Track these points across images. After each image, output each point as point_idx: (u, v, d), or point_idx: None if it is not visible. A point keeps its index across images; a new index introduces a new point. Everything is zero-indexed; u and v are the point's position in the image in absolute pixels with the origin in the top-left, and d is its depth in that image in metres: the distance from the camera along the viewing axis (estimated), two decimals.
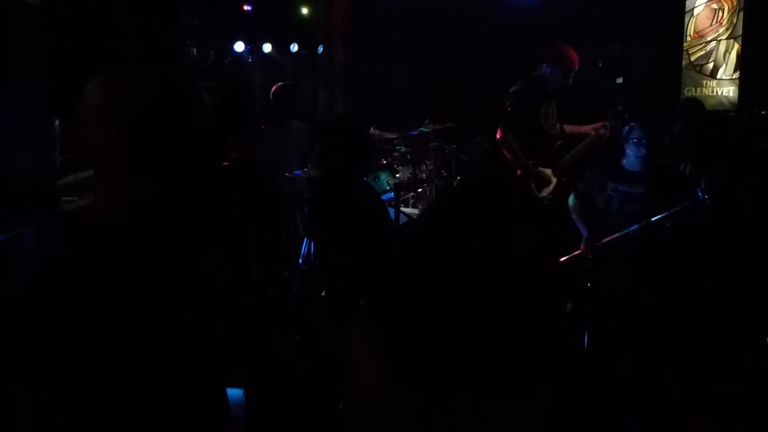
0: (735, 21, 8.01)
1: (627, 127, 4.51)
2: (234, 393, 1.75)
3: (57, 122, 4.64)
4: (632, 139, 4.40)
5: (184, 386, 1.20)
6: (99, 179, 1.26)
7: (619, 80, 7.41)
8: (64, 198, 4.59)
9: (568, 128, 5.61)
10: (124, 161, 1.22)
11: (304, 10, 8.48)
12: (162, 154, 1.23)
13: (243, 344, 4.25)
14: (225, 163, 5.88)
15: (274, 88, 6.27)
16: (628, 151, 4.44)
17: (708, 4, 8.14)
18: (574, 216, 4.59)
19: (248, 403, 1.82)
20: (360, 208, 3.78)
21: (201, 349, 1.28)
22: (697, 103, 6.09)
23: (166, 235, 1.29)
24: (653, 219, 4.08)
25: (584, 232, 4.44)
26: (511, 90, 5.50)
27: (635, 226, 4.10)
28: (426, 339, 1.07)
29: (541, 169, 5.48)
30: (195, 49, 7.69)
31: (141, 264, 1.23)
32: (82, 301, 1.13)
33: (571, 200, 4.70)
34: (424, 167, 6.56)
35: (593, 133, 5.47)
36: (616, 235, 4.13)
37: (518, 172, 5.40)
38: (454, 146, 6.69)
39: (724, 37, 8.07)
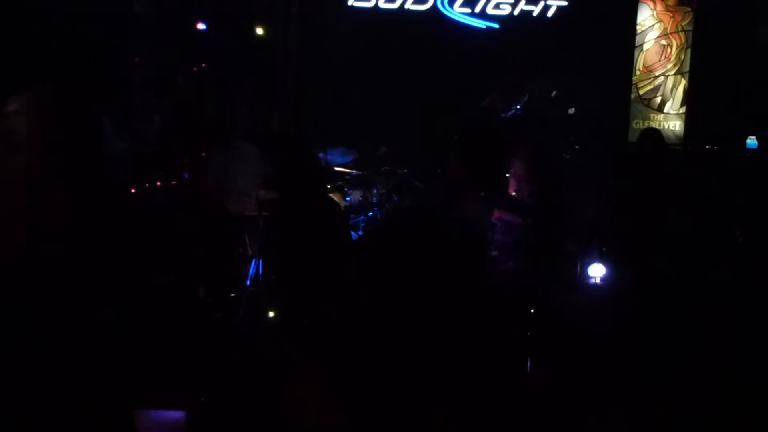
0: (683, 57, 8.24)
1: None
2: (176, 415, 1.70)
3: None
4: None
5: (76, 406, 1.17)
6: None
7: (572, 110, 7.52)
8: None
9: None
10: (20, 175, 1.21)
11: (259, 31, 8.47)
12: (57, 170, 1.22)
13: (188, 366, 4.17)
14: (157, 183, 5.79)
15: (222, 108, 6.24)
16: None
17: (657, 39, 8.35)
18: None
19: (189, 426, 1.77)
20: (319, 227, 3.74)
21: (101, 369, 1.24)
22: (654, 133, 6.10)
23: (62, 249, 1.26)
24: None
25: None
26: (463, 116, 5.55)
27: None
28: (367, 360, 1.07)
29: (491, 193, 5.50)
30: (148, 68, 7.62)
31: (34, 279, 1.20)
32: None
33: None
34: (375, 191, 6.55)
35: None
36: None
37: (468, 196, 5.41)
38: (405, 171, 6.70)
39: (672, 72, 8.29)
